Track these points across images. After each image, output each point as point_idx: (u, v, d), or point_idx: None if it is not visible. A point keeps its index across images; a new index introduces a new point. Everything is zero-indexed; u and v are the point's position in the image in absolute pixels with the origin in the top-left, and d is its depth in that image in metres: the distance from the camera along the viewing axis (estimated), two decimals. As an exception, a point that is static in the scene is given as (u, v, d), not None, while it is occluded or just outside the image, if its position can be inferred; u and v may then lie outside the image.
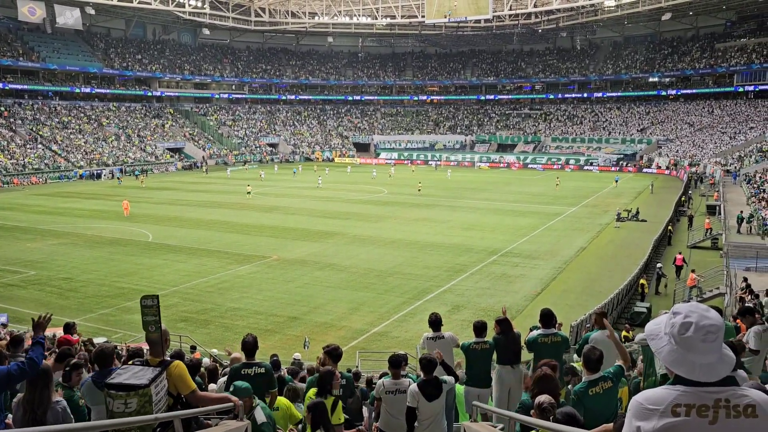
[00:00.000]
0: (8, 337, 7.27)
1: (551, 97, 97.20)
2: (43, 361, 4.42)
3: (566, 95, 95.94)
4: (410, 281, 24.20)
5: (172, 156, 78.10)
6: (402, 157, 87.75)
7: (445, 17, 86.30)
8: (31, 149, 65.18)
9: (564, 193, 51.61)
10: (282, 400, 6.13)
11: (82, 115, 78.08)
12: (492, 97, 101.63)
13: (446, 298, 22.16)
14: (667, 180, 62.74)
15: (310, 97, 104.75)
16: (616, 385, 5.00)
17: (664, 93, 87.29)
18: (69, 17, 77.94)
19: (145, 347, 9.33)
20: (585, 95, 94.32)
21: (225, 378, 6.51)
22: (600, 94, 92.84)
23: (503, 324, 7.08)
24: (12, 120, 69.56)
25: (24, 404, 4.20)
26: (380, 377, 7.18)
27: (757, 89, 77.54)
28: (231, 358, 8.21)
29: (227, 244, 30.85)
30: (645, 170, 71.03)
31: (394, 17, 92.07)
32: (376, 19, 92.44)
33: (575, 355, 10.17)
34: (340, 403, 5.41)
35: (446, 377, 5.89)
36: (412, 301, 21.78)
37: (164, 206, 43.48)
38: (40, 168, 62.35)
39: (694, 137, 74.98)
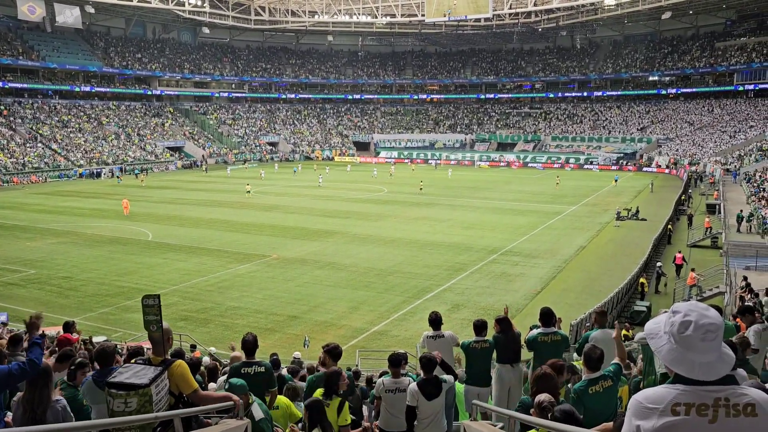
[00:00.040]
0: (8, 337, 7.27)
1: (551, 96, 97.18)
2: (43, 360, 4.42)
3: (566, 94, 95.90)
4: (410, 280, 24.20)
5: (172, 155, 78.12)
6: (402, 156, 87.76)
7: (445, 16, 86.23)
8: (30, 148, 65.17)
9: (564, 192, 51.61)
10: (282, 399, 6.13)
11: (82, 113, 78.06)
12: (492, 96, 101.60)
13: (446, 296, 22.16)
14: (667, 179, 62.75)
15: (310, 95, 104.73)
16: (616, 384, 5.00)
17: (664, 92, 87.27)
18: (69, 16, 77.92)
19: (146, 346, 9.34)
20: (585, 94, 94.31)
21: (225, 377, 6.51)
22: (600, 93, 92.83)
23: (503, 323, 7.08)
24: (12, 119, 69.54)
25: (24, 403, 4.20)
26: (380, 376, 7.18)
27: (756, 88, 77.54)
28: (231, 357, 8.21)
29: (227, 243, 30.85)
30: (645, 169, 71.02)
31: (394, 16, 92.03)
32: (376, 18, 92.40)
33: (575, 354, 10.17)
34: (347, 403, 5.38)
35: (446, 376, 5.90)
36: (412, 300, 21.78)
37: (164, 205, 43.48)
38: (39, 167, 62.35)
39: (694, 136, 74.98)
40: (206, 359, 10.78)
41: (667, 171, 68.13)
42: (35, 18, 75.36)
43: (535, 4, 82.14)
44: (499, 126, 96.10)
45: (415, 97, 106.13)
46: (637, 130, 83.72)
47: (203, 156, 78.98)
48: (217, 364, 9.17)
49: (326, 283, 23.71)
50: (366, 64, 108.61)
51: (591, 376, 4.87)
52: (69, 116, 75.79)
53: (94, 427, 3.82)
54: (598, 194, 50.79)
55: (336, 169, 73.27)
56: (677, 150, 72.57)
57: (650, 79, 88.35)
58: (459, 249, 29.54)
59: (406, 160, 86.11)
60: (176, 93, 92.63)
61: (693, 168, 63.58)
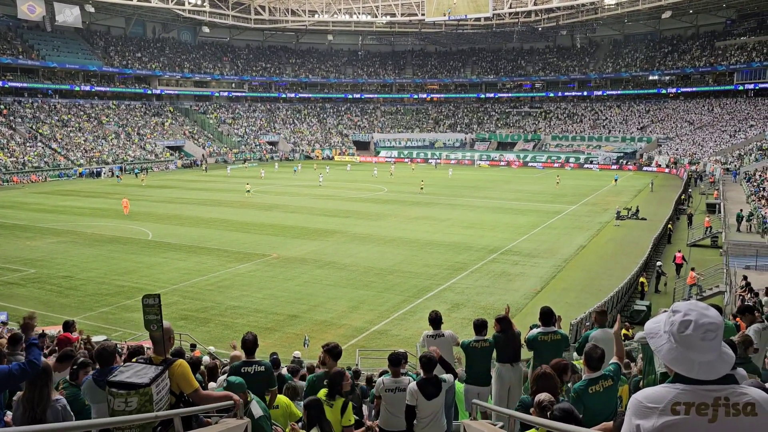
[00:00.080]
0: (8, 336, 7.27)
1: (551, 95, 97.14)
2: (43, 359, 4.42)
3: (566, 93, 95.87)
4: (410, 279, 24.20)
5: (171, 154, 78.12)
6: (402, 156, 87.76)
7: (445, 15, 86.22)
8: (30, 147, 65.16)
9: (564, 191, 51.61)
10: (281, 398, 6.14)
11: (82, 113, 78.05)
12: (492, 95, 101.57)
13: (446, 296, 22.16)
14: (667, 178, 62.75)
15: (310, 95, 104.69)
16: (616, 383, 5.00)
17: (664, 91, 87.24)
18: (68, 15, 77.90)
19: (146, 345, 9.33)
20: (585, 93, 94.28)
21: (225, 376, 6.52)
22: (600, 93, 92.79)
23: (503, 322, 7.08)
24: (12, 118, 69.53)
25: (24, 402, 4.20)
26: (380, 375, 7.18)
27: (756, 87, 77.52)
28: (231, 356, 8.21)
29: (227, 242, 30.85)
30: (645, 168, 71.01)
31: (394, 15, 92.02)
32: (376, 17, 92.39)
33: (575, 353, 10.17)
34: (351, 404, 5.37)
35: (445, 375, 5.89)
36: (411, 299, 21.78)
37: (164, 204, 43.48)
38: (39, 166, 62.35)
39: (694, 135, 74.97)
40: (206, 358, 10.79)
41: (667, 170, 68.13)
42: (35, 17, 75.35)
43: (535, 4, 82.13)
44: (499, 125, 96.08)
45: (415, 96, 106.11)
46: (637, 129, 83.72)
47: (203, 155, 78.98)
48: (217, 363, 9.17)
49: (326, 283, 23.71)
50: (366, 64, 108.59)
51: (591, 375, 4.87)
52: (69, 115, 75.78)
53: (94, 426, 3.82)
54: (598, 193, 50.79)
55: (336, 168, 73.26)
56: (677, 149, 72.57)
57: (650, 78, 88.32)
58: (459, 248, 29.54)
59: (406, 160, 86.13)
60: (176, 92, 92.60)
61: (693, 167, 63.59)
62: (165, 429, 3.85)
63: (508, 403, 6.65)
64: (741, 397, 1.96)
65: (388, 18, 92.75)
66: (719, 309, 7.67)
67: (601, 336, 6.57)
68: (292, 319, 19.76)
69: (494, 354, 7.20)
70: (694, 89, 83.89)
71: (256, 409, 4.87)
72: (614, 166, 73.34)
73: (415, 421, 5.62)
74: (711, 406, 1.94)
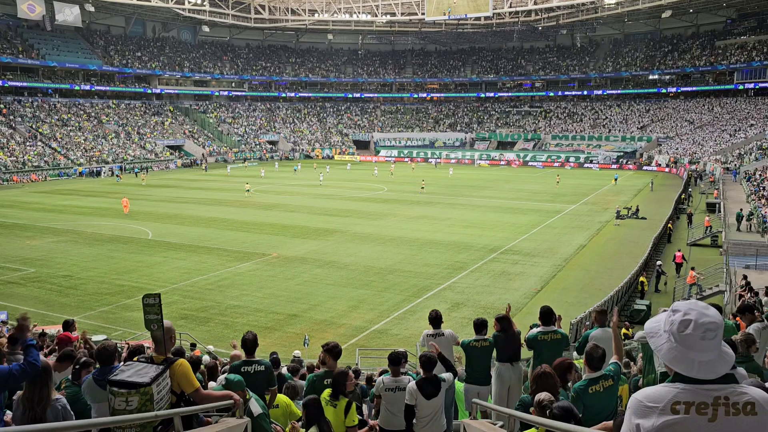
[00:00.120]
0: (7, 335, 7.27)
1: (551, 94, 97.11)
2: (43, 358, 4.42)
3: (566, 93, 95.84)
4: (410, 279, 24.21)
5: (171, 153, 78.12)
6: (402, 155, 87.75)
7: (445, 14, 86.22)
8: (30, 146, 65.16)
9: (564, 190, 51.61)
10: (281, 398, 6.15)
11: (82, 112, 78.04)
12: (492, 94, 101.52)
13: (446, 295, 22.17)
14: (667, 177, 62.75)
15: (310, 94, 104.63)
16: (616, 383, 5.00)
17: (664, 90, 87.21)
18: (68, 14, 77.86)
19: (146, 344, 9.33)
20: (585, 93, 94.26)
21: (224, 375, 6.52)
22: (600, 92, 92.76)
23: (503, 321, 7.08)
24: (12, 117, 69.53)
25: (24, 401, 4.20)
26: (380, 374, 7.19)
27: (757, 87, 77.52)
28: (231, 356, 8.22)
29: (227, 241, 30.85)
30: (645, 168, 71.01)
31: (394, 14, 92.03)
32: (376, 16, 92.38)
33: (575, 353, 10.17)
34: (354, 404, 5.36)
35: (445, 374, 5.89)
36: (411, 298, 21.79)
37: (164, 204, 43.48)
38: (39, 165, 62.34)
39: (694, 135, 74.96)
40: (206, 358, 10.79)
41: (667, 170, 68.13)
42: (35, 16, 75.30)
43: (535, 3, 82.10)
44: (499, 125, 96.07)
45: (415, 95, 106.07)
46: (637, 128, 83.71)
47: (203, 155, 78.98)
48: (217, 362, 9.17)
49: (326, 282, 23.71)
50: (366, 63, 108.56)
51: (592, 375, 4.87)
52: (69, 115, 75.77)
53: (95, 425, 3.82)
54: (598, 193, 50.79)
55: (336, 167, 73.25)
56: (677, 149, 72.56)
57: (650, 77, 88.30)
58: (459, 247, 29.54)
59: (406, 159, 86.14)
60: (176, 91, 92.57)
61: (693, 167, 63.56)
62: (165, 428, 3.85)
63: (507, 402, 6.65)
64: (741, 396, 1.96)
65: (388, 17, 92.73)
66: (719, 308, 7.67)
67: (602, 335, 6.57)
68: (292, 318, 19.76)
69: (494, 353, 7.21)
70: (695, 88, 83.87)
71: (255, 407, 4.88)
72: (614, 166, 73.33)
73: (414, 421, 5.62)
74: (711, 405, 1.94)
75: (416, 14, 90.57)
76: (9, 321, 16.14)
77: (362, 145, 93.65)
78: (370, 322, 19.49)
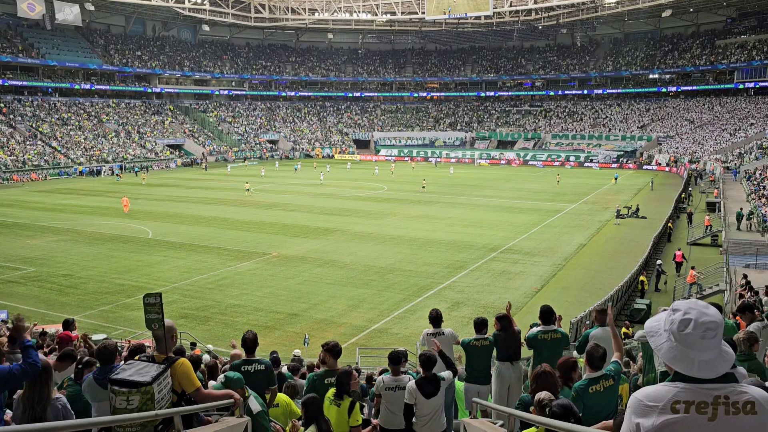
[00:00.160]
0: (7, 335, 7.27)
1: (551, 93, 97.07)
2: (43, 357, 4.42)
3: (566, 92, 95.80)
4: (410, 278, 24.21)
5: (171, 153, 78.11)
6: (402, 154, 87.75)
7: (445, 14, 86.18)
8: (30, 146, 65.16)
9: (564, 190, 51.60)
10: (281, 397, 6.16)
11: (82, 111, 78.03)
12: (492, 93, 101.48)
13: (446, 294, 22.17)
14: (667, 177, 62.74)
15: (310, 93, 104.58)
16: (617, 383, 4.99)
17: (664, 90, 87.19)
18: (68, 13, 77.80)
19: (147, 343, 9.33)
20: (585, 92, 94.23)
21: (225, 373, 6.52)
22: (600, 91, 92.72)
23: (503, 320, 7.09)
24: (12, 116, 69.51)
25: (24, 401, 4.20)
26: (380, 374, 7.19)
27: (757, 86, 77.47)
28: (231, 355, 8.22)
29: (227, 240, 30.85)
30: (645, 167, 70.99)
31: (394, 14, 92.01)
32: (376, 15, 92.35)
33: (575, 352, 10.19)
34: (358, 404, 5.36)
35: (444, 373, 5.89)
36: (411, 297, 21.79)
37: (164, 203, 43.49)
38: (39, 164, 62.34)
39: (695, 134, 74.95)
40: (206, 357, 10.80)
41: (667, 169, 68.11)
42: (35, 15, 75.26)
43: (535, 2, 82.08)
44: (500, 124, 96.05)
45: (415, 94, 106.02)
46: (638, 127, 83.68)
47: (203, 154, 78.97)
48: (217, 361, 9.17)
49: (326, 281, 23.72)
50: (366, 62, 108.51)
51: (592, 375, 4.86)
52: (69, 114, 75.76)
53: (95, 424, 3.82)
54: (598, 192, 50.79)
55: (336, 167, 73.24)
56: (677, 148, 72.55)
57: (650, 76, 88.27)
58: (459, 247, 29.55)
59: (406, 158, 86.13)
60: (176, 91, 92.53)
61: (693, 166, 63.55)
62: (166, 427, 3.85)
63: (508, 401, 6.65)
64: (741, 395, 1.96)
65: (389, 16, 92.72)
66: (719, 307, 7.67)
67: (602, 335, 6.56)
68: (292, 317, 19.77)
69: (494, 352, 7.21)
70: (695, 88, 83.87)
71: (254, 404, 4.88)
72: (614, 165, 73.29)
73: (414, 420, 5.62)
74: (711, 404, 1.94)
75: (416, 13, 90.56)
76: (9, 320, 16.15)
77: (362, 145, 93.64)
78: (370, 321, 19.49)
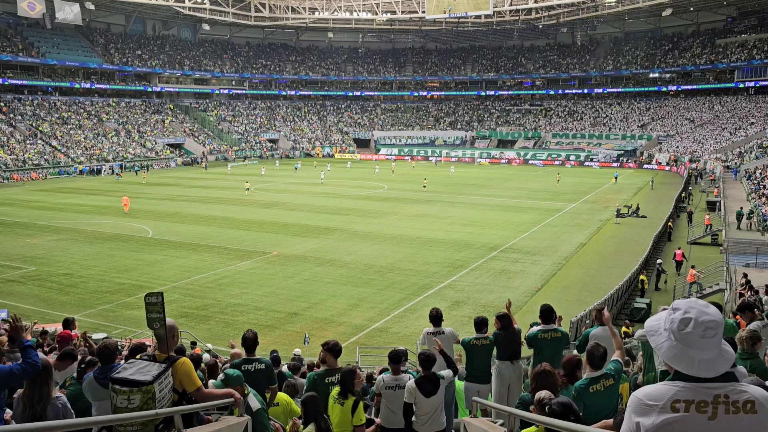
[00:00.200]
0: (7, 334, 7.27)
1: (552, 92, 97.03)
2: (43, 356, 4.42)
3: (567, 91, 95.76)
4: (410, 277, 24.21)
5: (172, 152, 78.11)
6: (402, 153, 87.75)
7: (446, 13, 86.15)
8: (30, 145, 65.15)
9: (564, 189, 51.60)
10: (281, 396, 6.16)
11: (82, 110, 78.01)
12: (492, 92, 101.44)
13: (446, 293, 22.18)
14: (668, 176, 62.73)
15: (310, 92, 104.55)
16: (617, 382, 4.99)
17: (664, 89, 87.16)
18: (68, 12, 77.78)
19: (147, 342, 9.33)
20: (585, 91, 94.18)
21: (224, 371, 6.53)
22: (600, 90, 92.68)
23: (504, 319, 7.09)
24: (12, 115, 69.50)
25: (24, 400, 4.20)
26: (380, 373, 7.19)
27: (757, 85, 77.45)
28: (231, 354, 8.22)
29: (227, 239, 30.85)
30: (645, 166, 71.00)
31: (394, 13, 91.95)
32: (377, 14, 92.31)
33: (575, 351, 10.19)
34: (362, 403, 5.36)
35: (444, 372, 5.89)
36: (412, 297, 21.80)
37: (164, 202, 43.48)
38: (39, 163, 62.34)
39: (695, 133, 74.92)
40: (206, 356, 10.80)
41: (667, 168, 68.09)
42: (35, 14, 75.24)
43: (535, 1, 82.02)
44: (500, 123, 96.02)
45: (416, 94, 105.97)
46: (638, 127, 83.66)
47: (203, 153, 78.96)
48: (217, 361, 9.18)
49: (326, 280, 23.72)
50: (366, 61, 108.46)
51: (593, 374, 4.86)
52: (69, 113, 75.74)
53: (95, 423, 3.82)
54: (598, 191, 50.78)
55: (336, 166, 73.23)
56: (678, 147, 72.53)
57: (651, 76, 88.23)
58: (459, 246, 29.55)
59: (407, 157, 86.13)
60: (176, 90, 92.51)
61: (693, 165, 63.53)
62: (166, 427, 3.86)
63: (508, 400, 6.65)
64: (741, 394, 1.96)
65: (389, 15, 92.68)
66: (719, 307, 7.67)
67: (602, 334, 6.56)
68: (293, 316, 19.77)
69: (494, 351, 7.21)
70: (695, 87, 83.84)
71: (254, 401, 4.89)
72: (615, 164, 73.30)
73: (414, 419, 5.62)
74: (711, 403, 1.95)
75: (416, 12, 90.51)
76: (8, 319, 16.16)
77: (362, 144, 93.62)
78: (371, 320, 19.50)
